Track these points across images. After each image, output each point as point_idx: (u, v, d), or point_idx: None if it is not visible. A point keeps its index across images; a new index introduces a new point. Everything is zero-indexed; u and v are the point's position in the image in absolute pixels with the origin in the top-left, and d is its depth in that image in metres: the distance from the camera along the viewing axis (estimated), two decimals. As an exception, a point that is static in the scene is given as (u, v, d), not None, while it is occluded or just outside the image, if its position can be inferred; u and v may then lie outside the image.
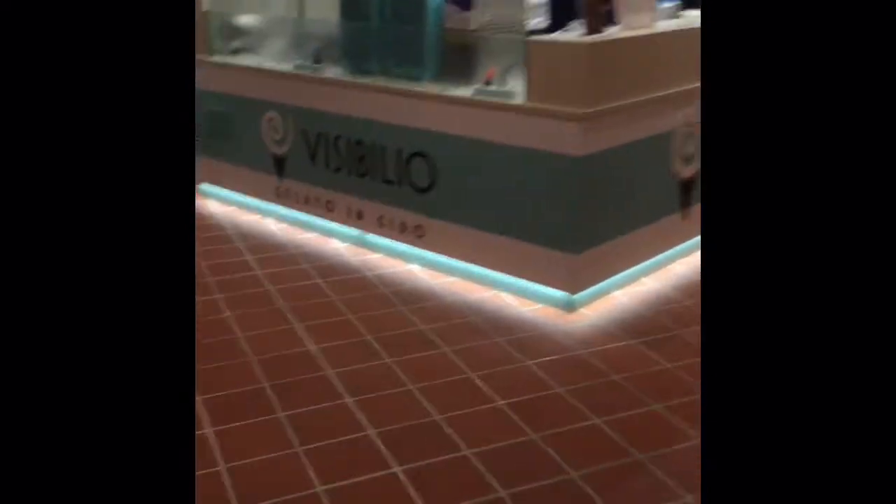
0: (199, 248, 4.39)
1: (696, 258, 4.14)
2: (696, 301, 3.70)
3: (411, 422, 2.78)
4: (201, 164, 5.08)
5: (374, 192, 4.18)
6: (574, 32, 3.61)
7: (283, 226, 4.74)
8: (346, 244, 4.43)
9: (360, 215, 4.30)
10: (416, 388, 2.99)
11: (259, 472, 2.51)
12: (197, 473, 2.46)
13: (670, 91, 3.76)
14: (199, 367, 3.10)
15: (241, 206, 5.04)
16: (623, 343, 3.35)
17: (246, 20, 4.96)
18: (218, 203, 5.15)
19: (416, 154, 3.96)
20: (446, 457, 2.58)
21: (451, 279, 3.96)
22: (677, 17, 4.23)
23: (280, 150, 4.61)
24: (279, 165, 4.65)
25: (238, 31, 4.96)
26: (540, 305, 3.67)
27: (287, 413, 2.83)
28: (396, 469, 2.52)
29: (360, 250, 4.35)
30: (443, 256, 3.99)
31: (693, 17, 4.22)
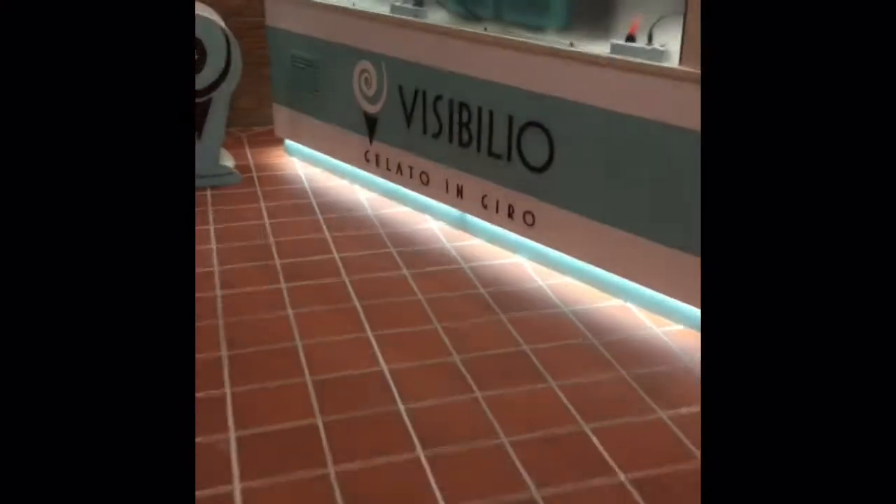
0: (270, 220, 3.78)
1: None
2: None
3: (503, 496, 2.08)
4: (286, 116, 4.45)
5: (478, 166, 3.45)
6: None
7: (372, 195, 4.08)
8: (441, 224, 3.74)
9: (459, 192, 3.57)
10: (509, 442, 2.28)
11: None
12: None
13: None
14: (231, 390, 2.48)
15: (327, 167, 4.40)
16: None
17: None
18: (302, 163, 4.52)
19: (530, 124, 3.18)
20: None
21: (565, 280, 3.22)
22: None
23: (372, 109, 3.91)
24: (371, 126, 3.96)
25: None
26: (679, 327, 2.88)
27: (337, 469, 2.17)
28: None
29: (458, 233, 3.64)
30: (556, 251, 3.24)
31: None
